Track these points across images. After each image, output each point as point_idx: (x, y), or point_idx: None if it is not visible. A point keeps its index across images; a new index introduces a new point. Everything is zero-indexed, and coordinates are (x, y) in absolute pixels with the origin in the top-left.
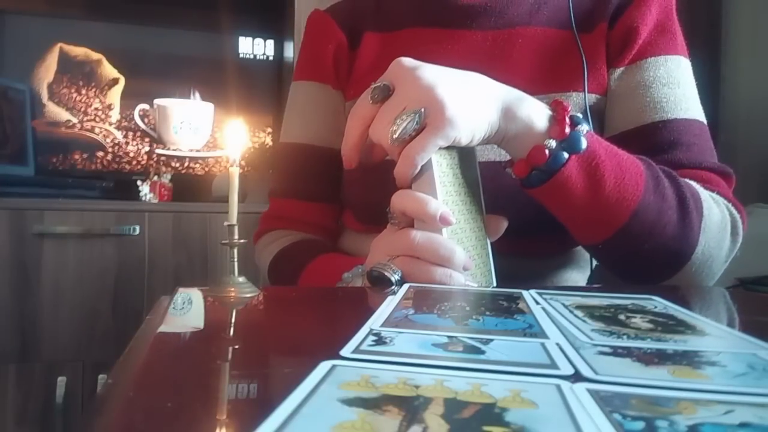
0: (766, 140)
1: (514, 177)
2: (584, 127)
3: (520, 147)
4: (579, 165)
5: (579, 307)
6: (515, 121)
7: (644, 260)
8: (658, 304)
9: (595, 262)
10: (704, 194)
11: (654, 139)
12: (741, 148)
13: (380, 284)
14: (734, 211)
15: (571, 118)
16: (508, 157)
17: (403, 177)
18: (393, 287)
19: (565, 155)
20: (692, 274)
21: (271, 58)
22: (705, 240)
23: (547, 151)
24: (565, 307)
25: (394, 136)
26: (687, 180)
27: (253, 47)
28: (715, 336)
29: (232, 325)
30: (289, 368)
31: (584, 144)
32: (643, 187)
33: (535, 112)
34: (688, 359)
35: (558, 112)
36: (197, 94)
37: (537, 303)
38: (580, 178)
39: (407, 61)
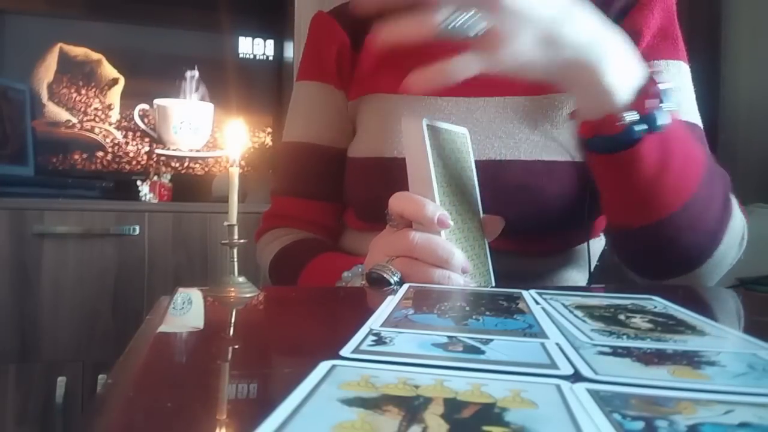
0: (766, 140)
1: (575, 132)
2: (670, 104)
3: (593, 105)
4: (652, 145)
5: (579, 307)
6: (597, 82)
7: (671, 253)
8: (658, 304)
9: (594, 263)
10: (736, 209)
11: None
12: (741, 148)
13: (379, 285)
14: (742, 216)
15: (659, 91)
16: (508, 157)
17: (424, 81)
18: (392, 287)
19: (641, 131)
20: (703, 274)
21: (271, 58)
22: (726, 240)
23: (621, 124)
24: (565, 307)
25: (448, 26)
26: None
27: (253, 47)
28: (715, 336)
29: (232, 325)
30: (289, 368)
31: (665, 122)
32: (700, 178)
33: (624, 72)
34: (688, 359)
35: (645, 86)
36: (197, 87)
37: (537, 303)
38: (649, 158)
39: None
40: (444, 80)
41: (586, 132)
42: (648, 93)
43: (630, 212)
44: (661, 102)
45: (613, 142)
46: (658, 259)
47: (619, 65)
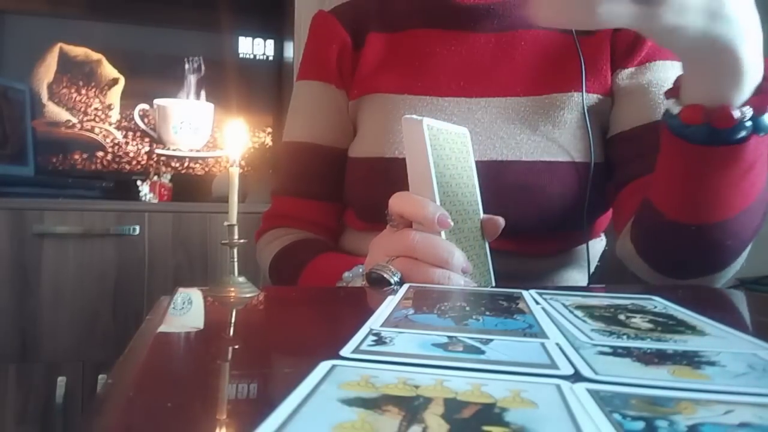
0: None
1: (674, 115)
2: None
3: (715, 90)
4: (752, 146)
5: (579, 307)
6: (733, 67)
7: (712, 256)
8: (658, 304)
9: (595, 263)
10: None
11: None
12: None
13: (379, 285)
14: None
15: None
16: (509, 158)
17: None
18: (393, 287)
19: (748, 130)
20: (723, 277)
21: (271, 58)
22: (749, 247)
23: (735, 118)
24: (565, 307)
25: None
26: None
27: (253, 47)
28: (715, 336)
29: (232, 325)
30: (289, 368)
31: None
32: (765, 182)
33: (758, 64)
34: (688, 359)
35: (763, 86)
36: (196, 89)
37: (537, 303)
38: (745, 159)
39: None
40: (585, 17)
41: (691, 117)
42: (764, 91)
43: (698, 209)
44: None
45: (717, 135)
46: (697, 259)
47: (756, 54)
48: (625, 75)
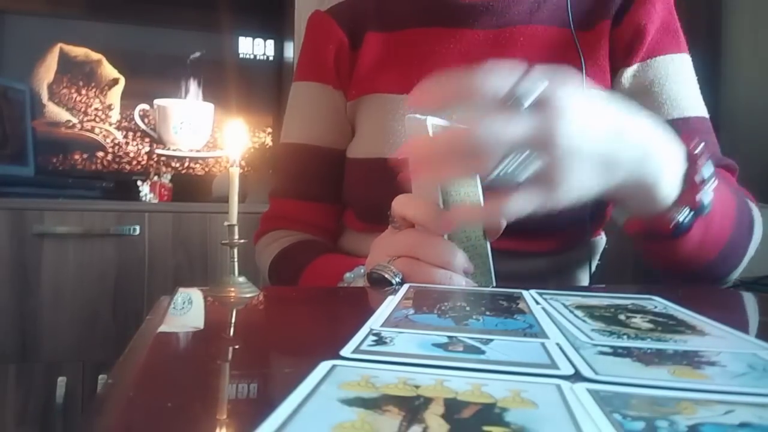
0: (766, 140)
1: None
2: (712, 183)
3: (645, 210)
4: (699, 225)
5: (579, 307)
6: (652, 195)
7: (706, 275)
8: (658, 304)
9: (595, 263)
10: (755, 211)
11: None
12: (741, 147)
13: (380, 286)
14: (758, 216)
15: (703, 176)
16: None
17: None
18: (393, 287)
19: (690, 220)
20: (728, 281)
21: (271, 58)
22: (749, 253)
23: (673, 223)
24: (565, 307)
25: (501, 172)
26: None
27: (253, 47)
28: (715, 336)
29: (232, 325)
30: (289, 368)
31: (710, 200)
32: (733, 224)
33: (665, 172)
34: (688, 359)
35: (690, 173)
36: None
37: (537, 303)
38: (695, 236)
39: (570, 90)
40: (497, 224)
41: (633, 228)
42: (694, 185)
43: (679, 264)
44: (705, 183)
45: (663, 236)
46: (692, 276)
47: (671, 172)
48: (627, 75)
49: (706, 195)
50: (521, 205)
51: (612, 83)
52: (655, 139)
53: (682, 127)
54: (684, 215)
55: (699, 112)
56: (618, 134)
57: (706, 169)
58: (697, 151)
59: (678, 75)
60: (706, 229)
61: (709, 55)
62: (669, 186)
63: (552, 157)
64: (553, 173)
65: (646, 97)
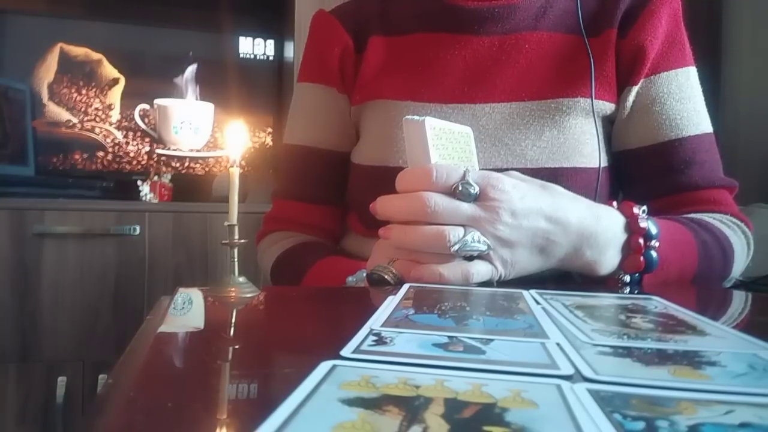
0: (767, 140)
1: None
2: (656, 242)
3: (587, 275)
4: (650, 279)
5: (579, 307)
6: (583, 260)
7: (706, 281)
8: (658, 304)
9: None
10: (728, 232)
11: (670, 158)
12: (741, 148)
13: (380, 286)
14: (746, 229)
15: (646, 236)
16: (514, 165)
17: (418, 279)
18: (393, 287)
19: (637, 277)
20: (727, 282)
21: (271, 58)
22: (734, 270)
23: (620, 283)
24: (565, 307)
25: (455, 247)
26: (713, 222)
27: (253, 47)
28: (715, 336)
29: (232, 325)
30: (289, 368)
31: (656, 258)
32: (696, 266)
33: (604, 250)
34: (688, 359)
35: (633, 237)
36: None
37: (537, 303)
38: (649, 287)
39: (511, 182)
40: (435, 281)
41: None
42: (637, 250)
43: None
44: (650, 242)
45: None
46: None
47: (612, 247)
48: (632, 93)
49: (651, 258)
50: (468, 275)
51: (617, 99)
52: (590, 222)
53: (677, 148)
54: (628, 279)
55: (700, 128)
56: (554, 223)
57: (651, 229)
58: (639, 219)
59: (681, 91)
60: (663, 279)
61: (710, 56)
62: (610, 259)
63: (492, 243)
64: (493, 257)
65: (647, 116)
